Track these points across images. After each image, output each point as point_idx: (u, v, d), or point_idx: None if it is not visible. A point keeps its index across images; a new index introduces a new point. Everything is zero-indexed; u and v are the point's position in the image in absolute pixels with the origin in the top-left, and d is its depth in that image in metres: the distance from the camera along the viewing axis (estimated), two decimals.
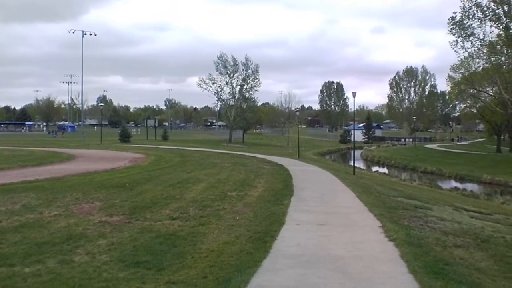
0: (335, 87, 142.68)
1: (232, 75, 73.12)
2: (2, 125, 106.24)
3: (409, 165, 46.31)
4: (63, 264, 5.87)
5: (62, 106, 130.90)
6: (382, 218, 9.31)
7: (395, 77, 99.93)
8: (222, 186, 14.51)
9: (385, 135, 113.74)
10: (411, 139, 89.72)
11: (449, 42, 38.54)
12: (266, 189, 13.96)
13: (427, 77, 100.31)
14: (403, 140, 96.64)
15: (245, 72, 73.26)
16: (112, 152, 34.53)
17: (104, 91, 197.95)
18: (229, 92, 74.13)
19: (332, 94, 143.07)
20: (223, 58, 72.73)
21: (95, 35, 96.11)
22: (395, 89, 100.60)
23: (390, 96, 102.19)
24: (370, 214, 9.97)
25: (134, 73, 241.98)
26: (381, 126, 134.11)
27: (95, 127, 79.60)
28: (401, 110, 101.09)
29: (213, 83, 72.76)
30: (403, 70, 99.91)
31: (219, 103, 79.70)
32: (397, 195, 14.95)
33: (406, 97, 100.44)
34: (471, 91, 52.00)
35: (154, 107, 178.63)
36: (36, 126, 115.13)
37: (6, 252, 6.42)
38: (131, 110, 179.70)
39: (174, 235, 7.60)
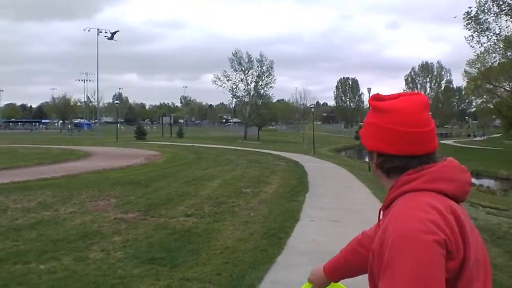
0: (350, 83, 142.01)
1: (247, 72, 73.17)
2: (18, 123, 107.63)
3: None
4: (78, 261, 5.90)
5: (78, 104, 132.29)
6: None
7: (410, 72, 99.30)
8: (237, 182, 14.49)
9: None
10: None
11: (465, 37, 38.20)
12: (281, 185, 13.93)
13: (443, 73, 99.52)
14: None
15: (259, 68, 73.26)
16: (128, 149, 34.70)
17: (119, 88, 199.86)
18: (244, 89, 74.24)
19: (347, 90, 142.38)
20: (238, 54, 72.83)
21: (111, 33, 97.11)
22: (410, 85, 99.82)
23: (405, 91, 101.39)
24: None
25: (149, 71, 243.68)
26: None
27: (119, 125, 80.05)
28: None
29: (228, 80, 72.89)
30: (419, 65, 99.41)
31: (234, 100, 79.85)
32: None
33: (422, 93, 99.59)
34: (488, 86, 51.32)
35: (170, 104, 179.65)
36: (56, 124, 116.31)
37: (22, 249, 6.46)
38: (146, 107, 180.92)
39: (189, 232, 7.60)
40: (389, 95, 1.35)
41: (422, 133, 1.26)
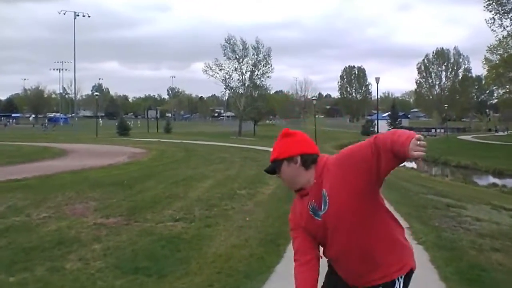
0: (356, 72, 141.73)
1: (241, 60, 73.00)
2: None
3: (440, 158, 45.89)
4: (53, 272, 5.89)
5: (53, 96, 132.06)
6: (410, 218, 9.24)
7: (424, 60, 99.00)
8: (231, 183, 14.53)
9: (412, 125, 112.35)
10: (442, 130, 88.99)
11: (485, 20, 38.21)
12: (279, 186, 13.91)
13: (460, 60, 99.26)
14: (433, 131, 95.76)
15: (255, 56, 73.10)
16: (109, 146, 34.73)
17: (99, 79, 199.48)
18: (238, 79, 74.11)
19: (353, 80, 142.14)
20: (231, 41, 72.67)
21: (89, 16, 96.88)
22: (424, 74, 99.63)
23: (418, 81, 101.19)
24: (396, 213, 9.87)
25: (133, 59, 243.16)
26: (408, 116, 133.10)
27: (99, 119, 79.81)
28: (431, 97, 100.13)
29: (220, 69, 72.73)
30: (433, 52, 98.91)
31: (227, 91, 79.81)
32: (426, 192, 14.84)
33: (437, 83, 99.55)
34: (511, 75, 51.40)
35: (156, 96, 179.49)
36: (29, 118, 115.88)
37: None
38: (130, 100, 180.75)
39: (177, 238, 7.62)
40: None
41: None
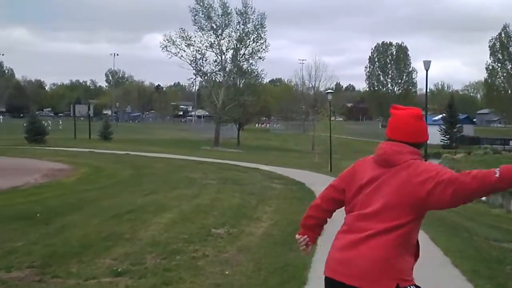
0: (394, 52, 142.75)
1: (220, 31, 73.28)
2: None
3: None
4: None
5: None
6: (477, 279, 9.15)
7: (500, 35, 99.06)
8: (203, 217, 14.49)
9: (480, 134, 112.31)
10: None
11: None
12: (275, 223, 13.98)
13: None
14: None
15: (242, 26, 73.49)
16: (12, 159, 34.55)
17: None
18: (216, 61, 74.40)
19: (389, 65, 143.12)
20: (206, 2, 72.86)
21: None
22: (499, 56, 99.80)
23: (490, 67, 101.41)
24: (456, 270, 9.86)
25: (52, 25, 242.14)
26: (474, 119, 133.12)
27: None
28: (509, 91, 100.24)
29: (188, 45, 72.95)
30: None
31: (199, 78, 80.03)
32: (501, 238, 14.79)
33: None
34: None
35: (88, 83, 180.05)
36: None
37: None
38: (46, 87, 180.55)
39: None
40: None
41: None
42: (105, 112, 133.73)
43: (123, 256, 10.11)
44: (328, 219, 4.69)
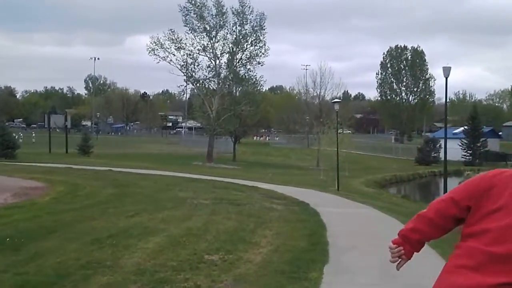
0: (409, 57, 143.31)
1: (214, 33, 73.26)
2: None
3: None
4: None
5: None
6: None
7: None
8: (194, 242, 14.37)
9: (507, 149, 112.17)
10: None
11: None
12: (276, 249, 13.90)
13: None
14: None
15: (239, 28, 73.53)
16: None
17: None
18: (209, 66, 74.30)
19: (403, 71, 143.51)
20: (198, 0, 72.90)
21: None
22: None
23: None
24: None
25: (26, 25, 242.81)
26: (500, 133, 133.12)
27: None
28: None
29: (178, 48, 72.85)
30: None
31: (190, 85, 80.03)
32: None
33: None
34: None
35: (65, 91, 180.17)
36: None
37: None
38: (18, 95, 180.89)
39: None
40: None
41: None
42: (84, 123, 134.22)
43: (104, 286, 10.04)
44: (435, 237, 4.21)
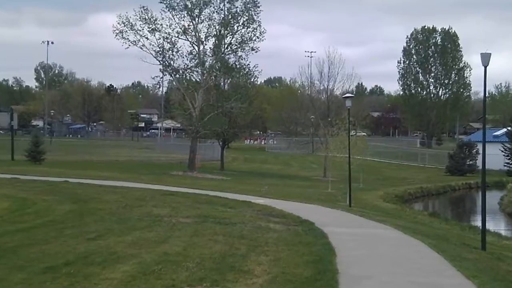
0: (438, 41, 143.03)
1: (197, 11, 72.96)
2: None
3: None
4: None
5: None
6: None
7: None
8: (172, 271, 14.54)
9: None
10: None
11: None
12: (273, 278, 13.99)
13: None
14: None
15: (228, 5, 73.21)
16: None
17: None
18: (191, 52, 73.96)
19: (431, 59, 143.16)
20: None
21: None
22: None
23: None
24: None
25: None
26: None
27: None
28: None
29: (152, 30, 72.55)
30: None
31: (167, 76, 79.86)
32: None
33: None
34: None
35: (11, 82, 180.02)
36: None
37: None
38: None
39: None
40: None
41: None
42: (35, 123, 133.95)
43: None
44: None
